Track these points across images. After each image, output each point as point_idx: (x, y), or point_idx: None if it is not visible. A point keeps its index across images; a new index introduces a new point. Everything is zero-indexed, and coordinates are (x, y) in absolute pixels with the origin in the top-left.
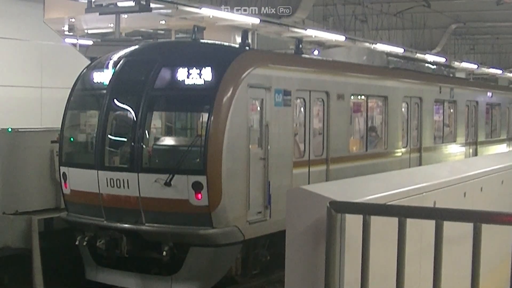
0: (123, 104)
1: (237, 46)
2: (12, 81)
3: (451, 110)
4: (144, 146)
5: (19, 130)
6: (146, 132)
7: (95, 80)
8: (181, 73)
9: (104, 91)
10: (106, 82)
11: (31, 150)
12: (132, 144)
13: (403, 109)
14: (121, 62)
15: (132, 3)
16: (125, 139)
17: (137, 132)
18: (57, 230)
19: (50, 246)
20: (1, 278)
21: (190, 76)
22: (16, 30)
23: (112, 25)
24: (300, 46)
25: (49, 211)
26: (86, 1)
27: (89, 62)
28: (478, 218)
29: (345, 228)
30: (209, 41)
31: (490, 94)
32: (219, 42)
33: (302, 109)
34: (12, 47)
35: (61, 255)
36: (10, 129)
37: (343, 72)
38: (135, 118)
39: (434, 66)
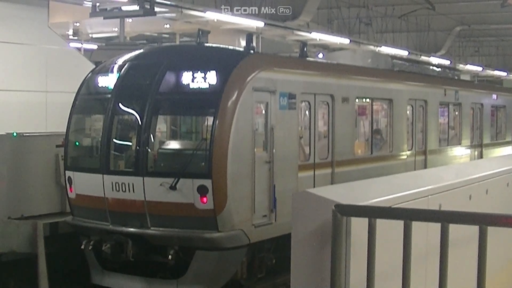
0: (128, 108)
1: (241, 49)
2: (17, 86)
3: (456, 113)
4: (149, 150)
5: (24, 134)
6: (151, 136)
7: (100, 84)
8: (186, 77)
9: (109, 95)
10: (111, 86)
11: (36, 154)
12: (137, 148)
13: (408, 112)
14: (125, 66)
15: (136, 7)
16: (130, 143)
17: (142, 136)
18: (62, 235)
19: (56, 250)
20: (7, 283)
21: (195, 80)
22: (21, 35)
23: (116, 29)
24: (305, 49)
25: (54, 215)
26: (91, 6)
27: (94, 66)
28: (483, 220)
29: (351, 231)
30: (214, 45)
31: (495, 96)
32: (223, 46)
33: (307, 112)
34: (17, 51)
35: (66, 259)
36: (15, 134)
37: (348, 75)
38: (140, 122)
39: (439, 69)
